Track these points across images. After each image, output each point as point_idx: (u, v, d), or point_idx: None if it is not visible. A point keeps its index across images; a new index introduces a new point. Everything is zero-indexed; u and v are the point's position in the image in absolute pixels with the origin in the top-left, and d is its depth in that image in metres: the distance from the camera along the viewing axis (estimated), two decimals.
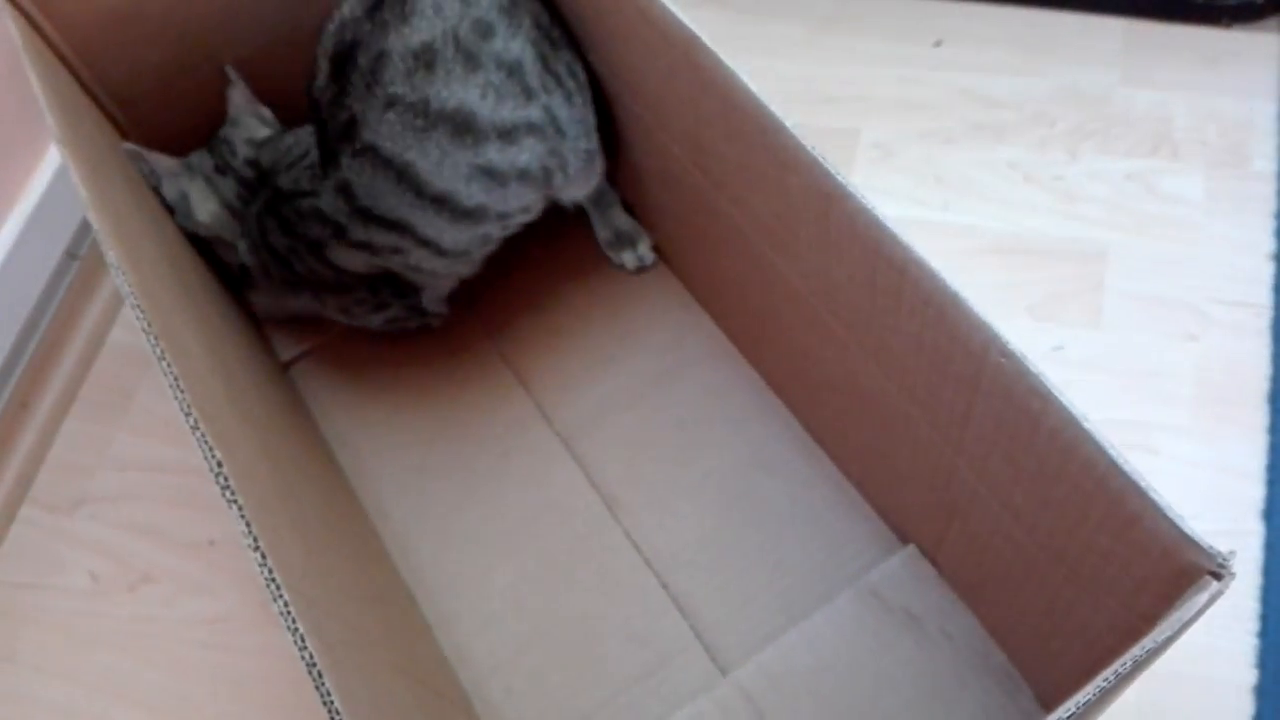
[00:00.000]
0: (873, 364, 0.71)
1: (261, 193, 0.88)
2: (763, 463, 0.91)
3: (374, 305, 0.90)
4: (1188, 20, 1.16)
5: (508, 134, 0.80)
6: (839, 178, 0.63)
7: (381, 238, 0.82)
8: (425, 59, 0.76)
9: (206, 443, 0.57)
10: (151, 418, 1.04)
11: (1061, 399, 0.53)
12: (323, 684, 0.51)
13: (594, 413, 0.96)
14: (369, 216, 0.81)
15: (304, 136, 0.87)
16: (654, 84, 0.81)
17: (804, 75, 1.18)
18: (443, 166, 0.78)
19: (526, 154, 0.82)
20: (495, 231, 0.87)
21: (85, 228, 1.10)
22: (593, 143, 0.89)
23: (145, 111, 0.96)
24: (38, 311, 1.04)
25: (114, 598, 0.94)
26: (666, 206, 0.96)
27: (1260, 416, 0.91)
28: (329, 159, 0.80)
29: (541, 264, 1.04)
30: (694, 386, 0.96)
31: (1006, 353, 0.56)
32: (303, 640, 0.52)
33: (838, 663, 0.79)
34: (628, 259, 1.02)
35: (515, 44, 0.80)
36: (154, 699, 0.89)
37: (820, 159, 0.64)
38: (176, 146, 0.98)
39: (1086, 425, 0.52)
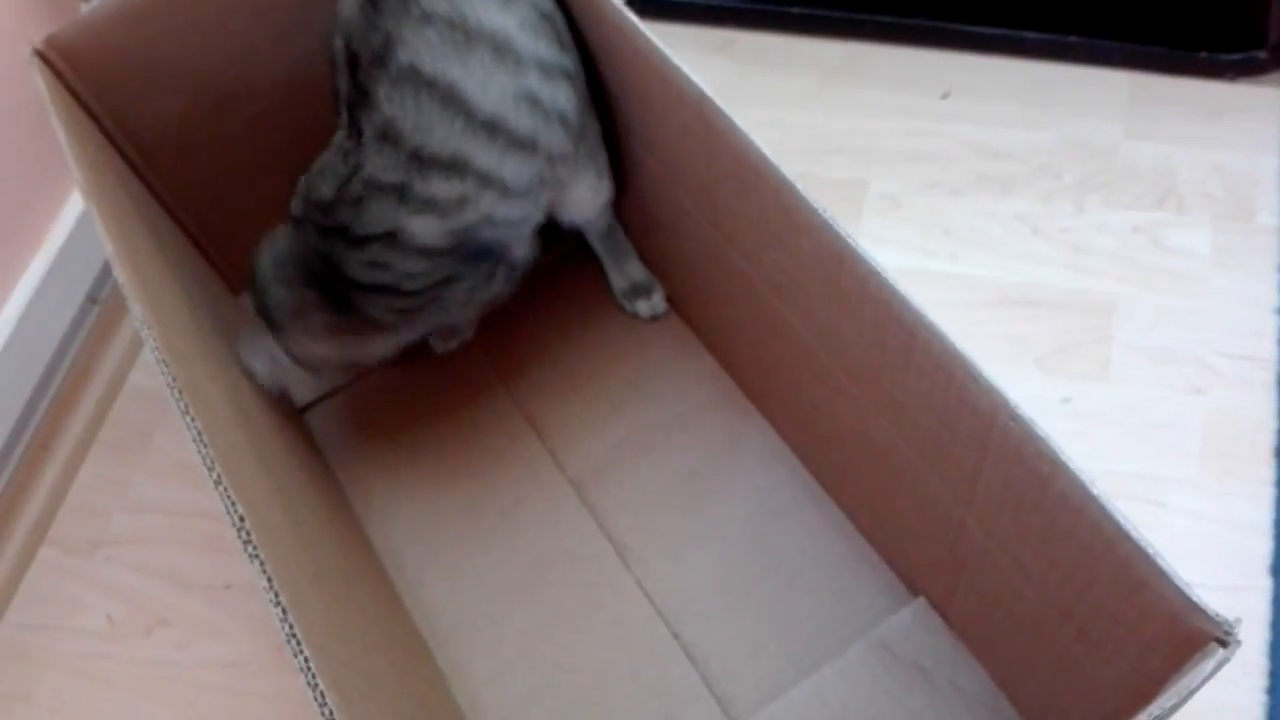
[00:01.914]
0: (883, 419, 0.72)
1: (306, 230, 0.84)
2: (773, 512, 0.92)
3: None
4: (1192, 74, 1.17)
5: (546, 70, 0.79)
6: (850, 240, 0.64)
7: (444, 187, 0.78)
8: None
9: (229, 497, 0.59)
10: (170, 461, 1.05)
11: (1070, 464, 0.54)
12: None
13: (606, 460, 0.97)
14: (423, 159, 0.77)
15: (326, 157, 0.84)
16: (668, 141, 0.83)
17: (812, 126, 1.20)
18: (489, 87, 0.76)
19: (564, 98, 0.81)
20: (544, 177, 0.83)
21: (106, 273, 1.12)
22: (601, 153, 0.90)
23: (165, 161, 0.97)
24: (59, 355, 1.06)
25: (130, 640, 0.95)
26: (679, 258, 0.97)
27: (1267, 470, 0.92)
28: (360, 108, 0.77)
29: (555, 312, 1.05)
30: (705, 435, 0.97)
31: (1016, 416, 0.57)
32: (323, 696, 0.52)
33: (849, 715, 0.80)
34: (642, 308, 1.04)
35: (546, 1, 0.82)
36: None
37: (832, 222, 0.65)
38: (194, 194, 1.00)
39: (1095, 491, 0.53)
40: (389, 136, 0.77)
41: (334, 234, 0.81)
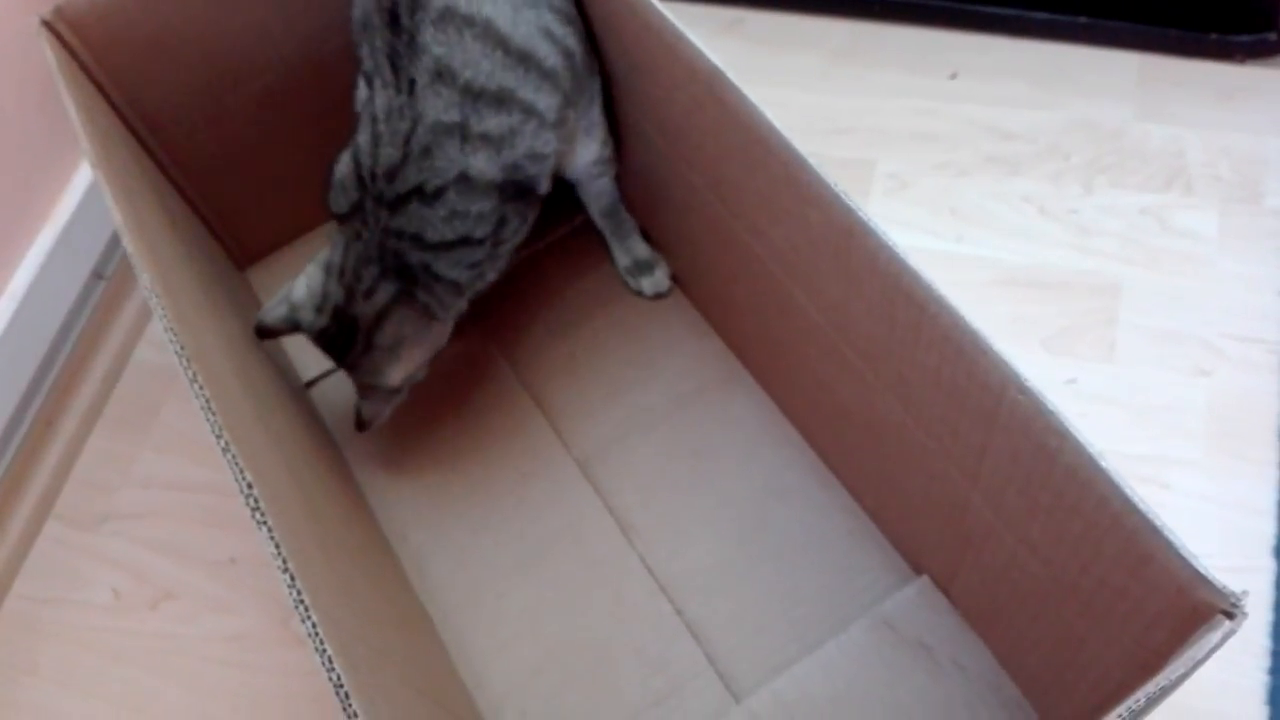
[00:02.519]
0: (890, 396, 0.72)
1: (369, 216, 0.84)
2: (777, 490, 0.92)
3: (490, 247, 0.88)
4: (1202, 56, 1.17)
5: (555, 10, 0.84)
6: (861, 213, 0.64)
7: (495, 121, 0.81)
8: None
9: (238, 464, 0.59)
10: (175, 436, 1.05)
11: (1079, 437, 0.54)
12: (349, 705, 0.52)
13: (611, 438, 0.97)
14: (475, 93, 0.80)
15: (363, 138, 0.84)
16: (677, 116, 0.83)
17: (820, 106, 1.20)
18: (516, 21, 0.81)
19: (571, 39, 0.86)
20: (563, 115, 0.86)
21: (111, 249, 1.12)
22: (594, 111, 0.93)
23: (173, 135, 0.97)
24: (64, 330, 1.06)
25: (136, 614, 0.95)
26: (685, 235, 0.97)
27: (1272, 452, 0.92)
28: (407, 58, 0.80)
29: (560, 290, 1.05)
30: (710, 413, 0.97)
31: (1024, 390, 0.57)
32: (330, 661, 0.53)
33: (851, 692, 0.80)
34: (646, 285, 1.04)
35: None
36: (174, 715, 0.90)
37: (842, 194, 0.65)
38: (201, 168, 1.00)
39: (1103, 464, 0.53)
40: (443, 75, 0.80)
41: (408, 199, 0.82)
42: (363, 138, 0.83)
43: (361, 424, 0.92)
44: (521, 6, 0.81)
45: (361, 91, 0.89)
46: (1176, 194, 1.08)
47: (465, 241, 0.84)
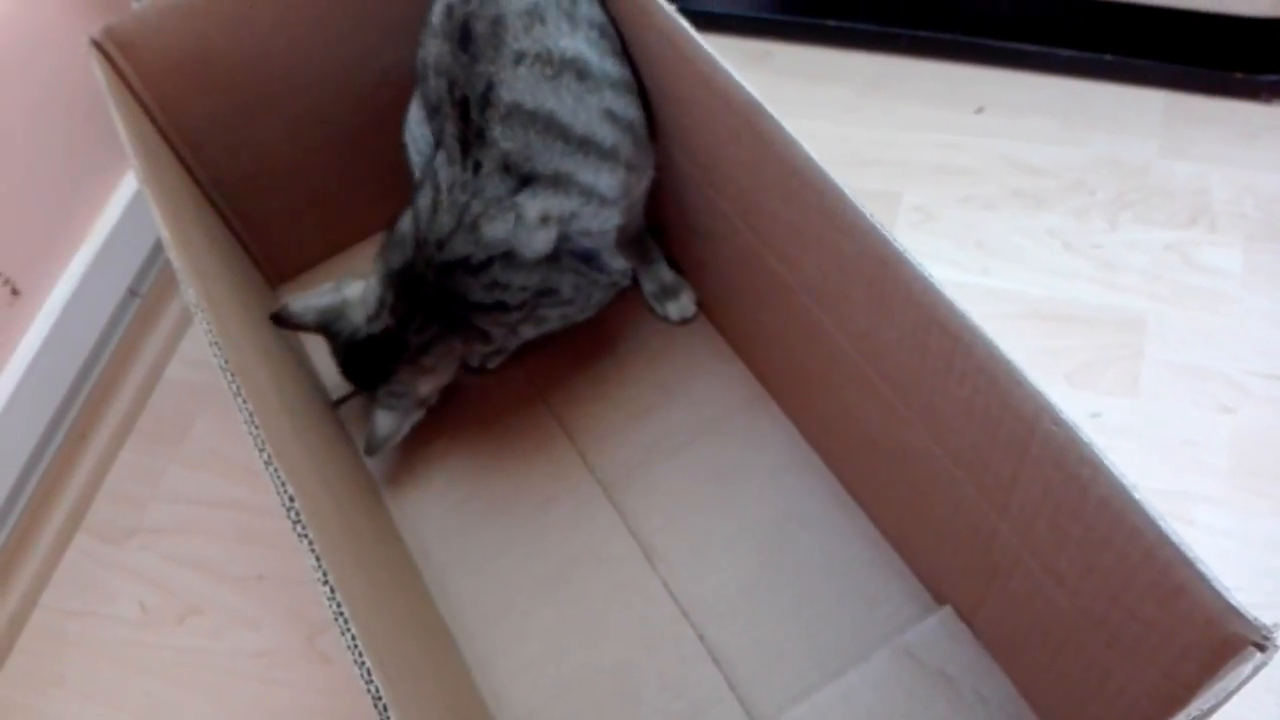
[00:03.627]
0: (918, 425, 0.73)
1: (421, 275, 0.87)
2: (800, 517, 0.92)
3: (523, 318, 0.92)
4: (1227, 94, 1.18)
5: (615, 86, 0.86)
6: (896, 244, 0.65)
7: (553, 203, 0.84)
8: (537, 15, 0.82)
9: (280, 478, 0.60)
10: (205, 452, 1.06)
11: (1112, 469, 0.55)
12: (388, 717, 0.52)
13: (634, 462, 0.98)
14: (534, 178, 0.83)
15: (423, 201, 0.87)
16: (709, 146, 0.84)
17: (847, 138, 1.21)
18: (579, 110, 0.83)
19: (632, 110, 0.88)
20: (627, 185, 0.89)
21: (147, 266, 1.13)
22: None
23: (212, 153, 0.99)
24: (99, 346, 1.07)
25: (162, 628, 0.96)
26: (712, 261, 0.98)
27: None
28: (477, 146, 0.82)
29: None
30: (733, 439, 0.98)
31: (1059, 421, 0.57)
32: (369, 673, 0.53)
33: None
34: (671, 310, 1.05)
35: (595, 11, 0.87)
36: None
37: (878, 225, 0.66)
38: (238, 188, 1.02)
39: (1136, 495, 0.54)
40: (509, 167, 0.83)
41: (454, 267, 0.85)
42: (424, 201, 0.86)
43: (373, 446, 0.94)
44: (583, 95, 0.83)
45: (416, 132, 0.91)
46: (1201, 230, 1.09)
47: (500, 307, 0.88)
